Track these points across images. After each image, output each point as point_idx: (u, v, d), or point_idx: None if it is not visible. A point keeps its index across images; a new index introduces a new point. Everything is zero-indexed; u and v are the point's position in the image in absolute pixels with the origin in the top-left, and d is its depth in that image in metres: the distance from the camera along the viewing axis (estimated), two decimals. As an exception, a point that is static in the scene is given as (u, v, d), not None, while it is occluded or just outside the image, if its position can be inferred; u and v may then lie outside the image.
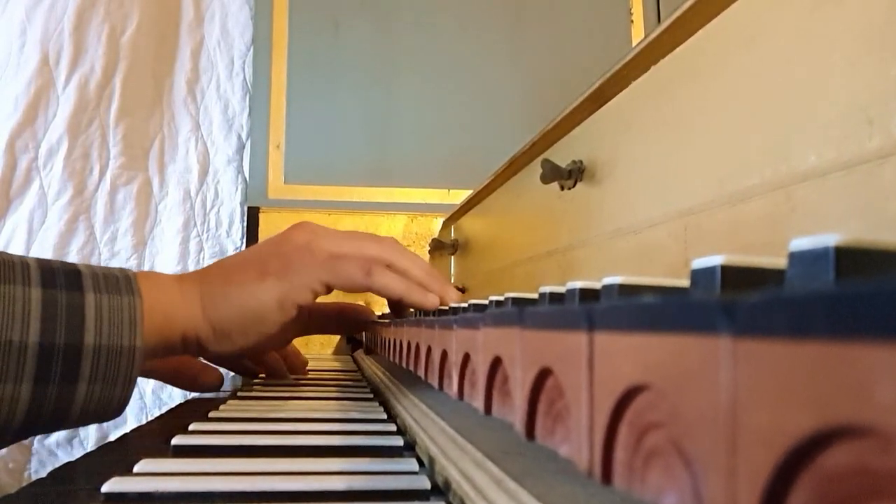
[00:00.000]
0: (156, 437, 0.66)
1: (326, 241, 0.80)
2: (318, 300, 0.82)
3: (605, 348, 0.23)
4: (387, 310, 0.94)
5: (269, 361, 1.09)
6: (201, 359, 0.96)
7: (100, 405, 0.63)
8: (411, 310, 0.82)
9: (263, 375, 1.11)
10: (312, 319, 0.90)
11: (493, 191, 1.26)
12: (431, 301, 0.80)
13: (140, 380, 0.94)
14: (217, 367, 0.98)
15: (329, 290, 0.79)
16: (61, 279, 0.62)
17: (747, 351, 0.16)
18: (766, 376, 0.16)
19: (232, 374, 1.21)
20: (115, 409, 0.65)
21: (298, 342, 1.70)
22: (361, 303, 1.13)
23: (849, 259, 0.17)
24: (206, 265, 0.90)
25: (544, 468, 0.36)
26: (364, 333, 1.26)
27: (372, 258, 0.80)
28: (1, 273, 0.59)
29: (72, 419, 0.63)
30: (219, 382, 0.96)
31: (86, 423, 0.64)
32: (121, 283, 0.65)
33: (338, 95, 1.98)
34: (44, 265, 0.62)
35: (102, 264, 1.82)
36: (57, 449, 1.78)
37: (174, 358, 0.96)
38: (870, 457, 0.13)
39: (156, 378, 1.03)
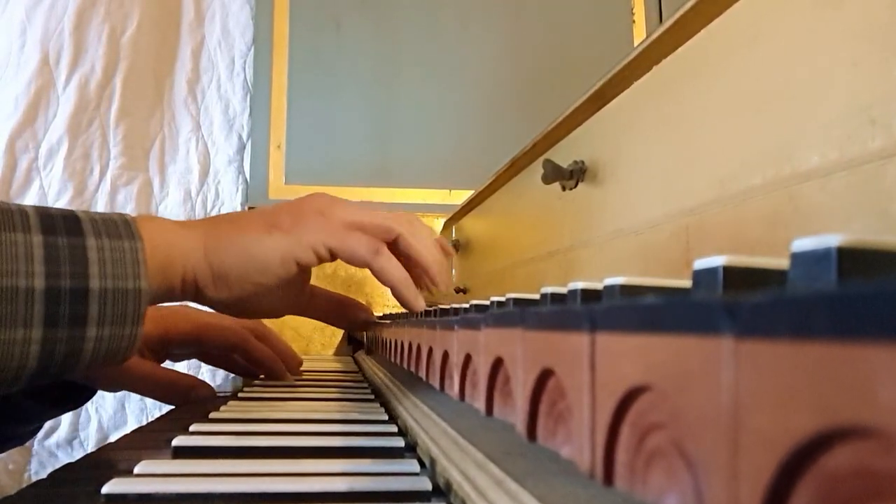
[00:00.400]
0: (156, 438, 0.66)
1: (342, 210, 0.80)
2: (322, 287, 0.82)
3: (607, 349, 0.23)
4: (387, 310, 0.93)
5: (267, 361, 1.09)
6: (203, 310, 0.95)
7: (110, 347, 0.63)
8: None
9: (262, 377, 1.11)
10: (312, 301, 0.90)
11: (495, 191, 1.26)
12: (419, 305, 0.79)
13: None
14: (207, 383, 0.98)
15: (333, 257, 0.78)
16: (60, 224, 0.62)
17: (749, 352, 0.16)
18: (768, 377, 0.16)
19: (232, 375, 1.21)
20: (125, 350, 0.65)
21: (299, 341, 1.70)
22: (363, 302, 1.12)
23: (851, 260, 0.17)
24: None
25: (546, 469, 0.36)
26: (365, 334, 1.26)
27: (386, 230, 0.80)
28: (1, 220, 0.59)
29: (84, 361, 0.63)
30: (211, 397, 0.96)
31: (99, 365, 0.64)
32: (120, 227, 0.65)
33: (339, 95, 1.98)
34: (41, 212, 0.62)
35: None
36: (57, 450, 1.78)
37: (167, 374, 0.96)
38: (872, 458, 0.13)
39: (146, 394, 1.02)
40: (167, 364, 1.04)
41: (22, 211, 0.61)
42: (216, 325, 1.03)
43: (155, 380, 0.95)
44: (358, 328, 1.11)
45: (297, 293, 0.85)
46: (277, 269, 0.75)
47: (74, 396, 0.95)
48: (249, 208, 1.91)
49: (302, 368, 1.21)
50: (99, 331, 0.62)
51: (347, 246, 0.77)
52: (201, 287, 0.73)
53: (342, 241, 0.77)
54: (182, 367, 1.69)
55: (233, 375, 1.20)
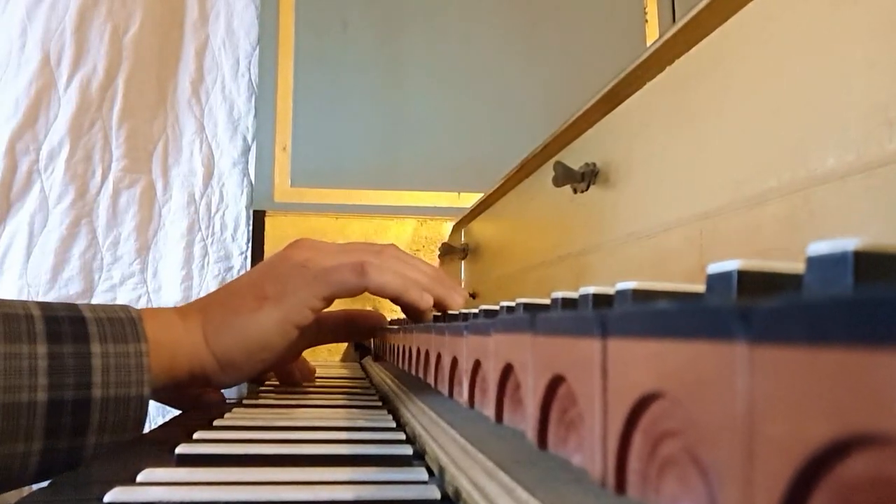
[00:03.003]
0: (160, 446, 0.66)
1: (322, 256, 0.81)
2: (328, 311, 0.82)
3: (619, 355, 0.23)
4: (399, 314, 0.93)
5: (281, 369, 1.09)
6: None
7: (109, 449, 0.65)
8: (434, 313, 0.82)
9: (275, 382, 1.11)
10: (321, 330, 0.91)
11: (505, 194, 1.26)
12: (426, 301, 0.80)
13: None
14: (218, 390, 0.99)
15: (329, 301, 0.79)
16: (66, 330, 0.63)
17: (764, 358, 0.16)
18: (783, 384, 0.16)
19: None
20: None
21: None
22: (370, 308, 1.12)
23: (868, 264, 0.17)
24: (208, 292, 0.90)
25: (557, 477, 0.36)
26: (372, 340, 1.26)
27: (366, 261, 0.80)
28: (5, 330, 0.60)
29: (83, 464, 0.64)
30: (221, 402, 0.96)
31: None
32: (126, 327, 0.66)
33: (346, 96, 1.98)
34: (48, 315, 0.63)
35: (104, 269, 1.83)
36: (58, 458, 1.78)
37: None
38: (890, 466, 0.13)
39: (155, 400, 1.03)
40: None
41: (28, 316, 0.62)
42: None
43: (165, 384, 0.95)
44: (369, 336, 1.12)
45: (308, 337, 0.86)
46: (278, 341, 0.76)
47: None
48: (254, 211, 1.91)
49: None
50: (98, 438, 0.63)
51: (334, 283, 0.78)
52: (210, 375, 0.75)
53: (328, 283, 0.78)
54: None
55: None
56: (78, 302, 0.68)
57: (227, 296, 0.81)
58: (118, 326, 0.66)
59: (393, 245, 0.87)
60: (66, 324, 0.63)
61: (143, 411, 0.66)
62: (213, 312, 0.77)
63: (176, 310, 0.77)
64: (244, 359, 0.75)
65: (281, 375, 1.10)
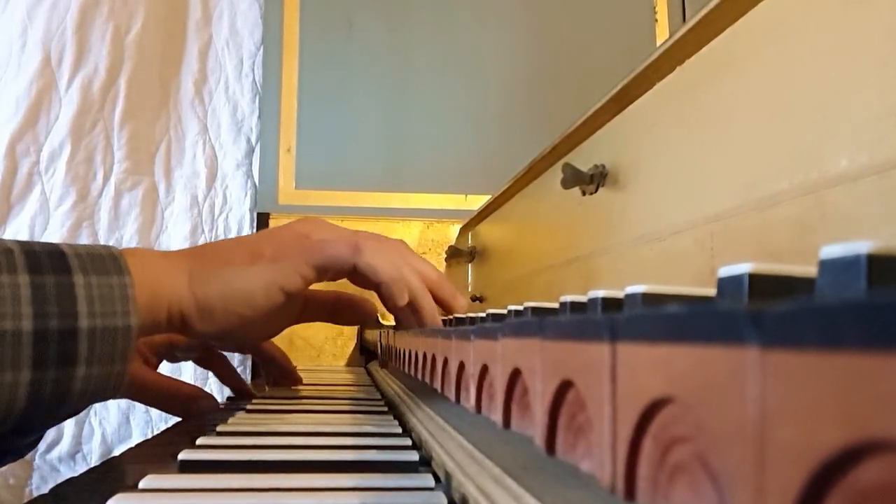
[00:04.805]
0: (162, 452, 0.66)
1: (325, 231, 0.81)
2: (316, 287, 0.82)
3: (629, 360, 0.23)
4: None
5: (277, 360, 1.09)
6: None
7: (98, 385, 0.64)
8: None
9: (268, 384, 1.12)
10: (307, 307, 0.90)
11: (512, 196, 1.26)
12: (403, 298, 0.81)
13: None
14: (211, 394, 0.98)
15: (321, 273, 0.79)
16: (46, 262, 0.63)
17: (776, 362, 0.16)
18: (795, 389, 0.16)
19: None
20: (113, 386, 0.66)
21: (310, 351, 1.70)
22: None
23: (881, 267, 0.17)
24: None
25: (565, 484, 0.36)
26: (379, 346, 1.26)
27: (364, 240, 0.81)
28: None
29: (72, 400, 0.64)
30: (214, 409, 0.96)
31: (85, 403, 0.65)
32: (107, 262, 0.66)
33: (351, 97, 1.98)
34: (26, 249, 0.63)
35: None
36: (59, 464, 1.79)
37: (167, 382, 0.96)
38: (903, 472, 0.13)
39: (146, 403, 1.03)
40: (164, 366, 1.05)
41: (6, 249, 0.62)
42: None
43: (157, 389, 0.95)
44: (356, 322, 1.11)
45: (289, 315, 0.86)
46: (262, 300, 0.76)
47: None
48: (258, 214, 1.91)
49: (312, 380, 1.21)
50: (87, 370, 0.63)
51: (327, 254, 0.78)
52: (187, 320, 0.74)
53: (322, 253, 0.78)
54: (189, 378, 1.70)
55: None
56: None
57: (220, 248, 0.81)
58: (99, 261, 0.66)
59: (402, 241, 0.87)
60: (45, 257, 0.63)
61: (131, 343, 0.65)
62: (202, 259, 0.76)
63: (160, 251, 0.77)
64: (222, 308, 0.75)
65: (278, 370, 1.11)
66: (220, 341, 0.79)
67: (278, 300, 0.77)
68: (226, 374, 1.10)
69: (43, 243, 0.65)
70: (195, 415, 0.94)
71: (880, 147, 0.41)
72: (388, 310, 0.86)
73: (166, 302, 0.72)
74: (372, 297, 0.89)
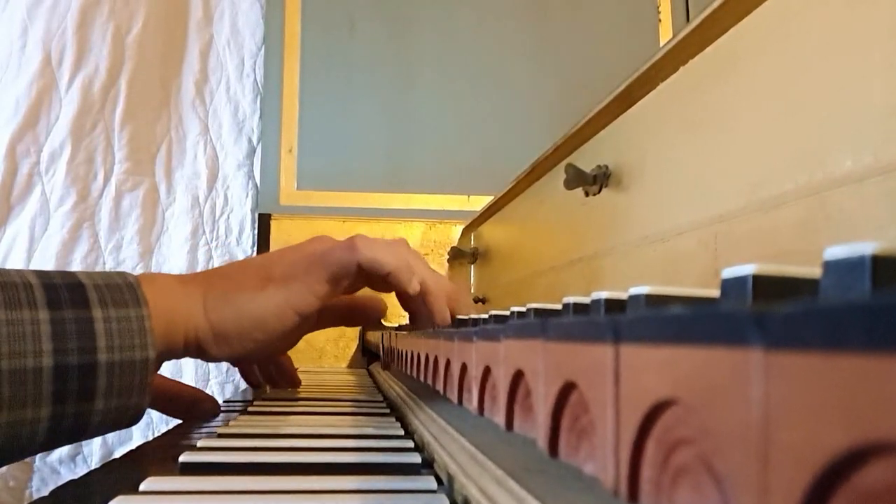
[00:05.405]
0: (163, 454, 0.66)
1: (327, 243, 0.81)
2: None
3: (632, 361, 0.23)
4: (403, 319, 0.93)
5: (283, 366, 1.09)
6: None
7: (117, 416, 0.65)
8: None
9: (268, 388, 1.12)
10: (322, 317, 0.90)
11: (515, 197, 1.26)
12: (414, 286, 0.80)
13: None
14: (213, 397, 0.98)
15: (333, 286, 0.79)
16: (66, 297, 0.63)
17: (780, 364, 0.16)
18: (799, 391, 0.16)
19: (242, 388, 1.21)
20: (131, 417, 0.67)
21: (311, 353, 1.70)
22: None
23: (886, 268, 0.17)
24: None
25: (568, 486, 0.36)
26: (381, 348, 1.26)
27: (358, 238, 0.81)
28: (5, 298, 0.60)
29: (90, 432, 0.65)
30: (215, 412, 0.96)
31: (103, 433, 0.66)
32: (125, 293, 0.66)
33: (353, 97, 1.98)
34: (46, 282, 0.63)
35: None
36: (59, 466, 1.79)
37: (169, 384, 0.96)
38: (908, 475, 0.13)
39: (150, 406, 1.03)
40: (165, 366, 1.06)
41: (26, 284, 0.62)
42: None
43: (159, 392, 0.95)
44: (370, 322, 1.11)
45: (306, 328, 0.86)
46: (275, 324, 0.76)
47: None
48: (260, 215, 1.91)
49: (314, 382, 1.21)
50: (106, 403, 0.64)
51: (331, 262, 0.78)
52: (203, 346, 0.74)
53: (327, 262, 0.78)
54: (189, 379, 1.70)
55: (242, 388, 1.20)
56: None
57: (233, 272, 0.81)
58: (117, 292, 0.66)
59: (403, 239, 0.87)
60: (64, 290, 0.64)
61: (149, 375, 0.66)
62: (216, 284, 0.77)
63: (175, 276, 0.77)
64: (236, 335, 0.75)
65: (278, 378, 1.11)
66: (236, 363, 0.80)
67: (291, 323, 0.77)
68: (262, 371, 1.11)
69: (61, 273, 0.66)
70: (197, 418, 0.94)
71: (885, 148, 0.41)
72: (403, 304, 0.87)
73: (182, 329, 0.73)
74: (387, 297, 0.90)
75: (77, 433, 0.64)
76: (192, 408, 0.95)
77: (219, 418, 0.89)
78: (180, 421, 0.93)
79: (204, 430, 0.78)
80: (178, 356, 0.76)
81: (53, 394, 0.60)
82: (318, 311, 0.85)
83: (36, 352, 0.60)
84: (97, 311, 0.64)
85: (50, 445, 0.63)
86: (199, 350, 0.75)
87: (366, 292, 0.90)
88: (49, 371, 0.60)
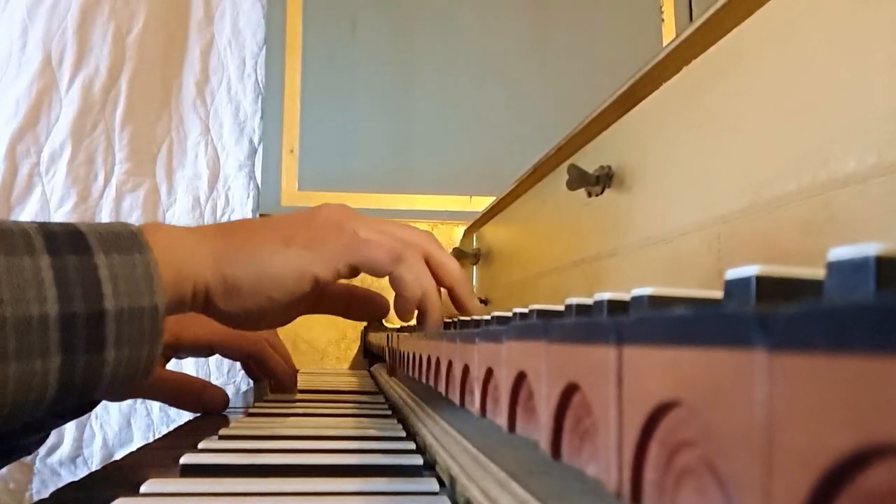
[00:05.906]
0: (164, 456, 0.66)
1: (358, 223, 0.80)
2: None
3: (635, 363, 0.23)
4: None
5: (279, 373, 1.09)
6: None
7: (129, 368, 0.63)
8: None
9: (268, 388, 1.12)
10: (321, 299, 0.90)
11: (517, 198, 1.26)
12: (410, 314, 0.80)
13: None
14: (220, 387, 0.98)
15: (353, 273, 0.78)
16: (65, 242, 0.62)
17: (784, 366, 0.16)
18: (803, 392, 0.16)
19: (242, 390, 1.21)
20: (143, 369, 0.65)
21: (313, 354, 1.70)
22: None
23: (890, 269, 0.17)
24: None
25: (571, 488, 0.36)
26: (386, 352, 1.26)
27: (407, 244, 0.80)
28: (3, 244, 0.58)
29: (103, 385, 0.63)
30: (224, 402, 0.96)
31: (117, 386, 0.64)
32: (127, 239, 0.65)
33: (354, 97, 1.98)
34: (44, 230, 0.62)
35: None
36: (60, 468, 1.79)
37: (176, 377, 0.96)
38: (912, 477, 0.13)
39: (158, 399, 1.03)
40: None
41: (23, 231, 0.61)
42: (230, 332, 1.03)
43: (166, 384, 0.95)
44: (368, 318, 1.11)
45: (306, 304, 0.85)
46: (292, 285, 0.75)
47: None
48: (261, 215, 1.91)
49: (315, 384, 1.21)
50: (117, 353, 0.62)
51: (367, 257, 0.77)
52: (212, 299, 0.73)
53: (361, 254, 0.77)
54: (192, 373, 1.70)
55: (243, 391, 1.20)
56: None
57: (249, 227, 0.79)
58: (119, 239, 0.65)
59: (430, 235, 0.85)
60: (64, 236, 0.62)
61: (159, 323, 0.64)
62: (231, 236, 0.75)
63: (182, 227, 0.76)
64: (252, 291, 0.74)
65: (278, 381, 1.11)
66: (236, 323, 0.78)
67: (307, 287, 0.76)
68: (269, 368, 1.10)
69: (60, 223, 0.64)
70: (207, 407, 0.94)
71: (888, 148, 0.41)
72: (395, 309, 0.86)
73: (192, 278, 0.71)
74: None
75: (90, 386, 0.62)
76: (201, 398, 0.95)
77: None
78: (181, 424, 0.93)
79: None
80: (186, 309, 0.74)
81: (61, 343, 0.58)
82: (322, 289, 0.85)
83: (40, 298, 0.58)
84: (100, 258, 0.62)
85: (64, 400, 0.61)
86: (206, 303, 0.73)
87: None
88: (55, 319, 0.58)
